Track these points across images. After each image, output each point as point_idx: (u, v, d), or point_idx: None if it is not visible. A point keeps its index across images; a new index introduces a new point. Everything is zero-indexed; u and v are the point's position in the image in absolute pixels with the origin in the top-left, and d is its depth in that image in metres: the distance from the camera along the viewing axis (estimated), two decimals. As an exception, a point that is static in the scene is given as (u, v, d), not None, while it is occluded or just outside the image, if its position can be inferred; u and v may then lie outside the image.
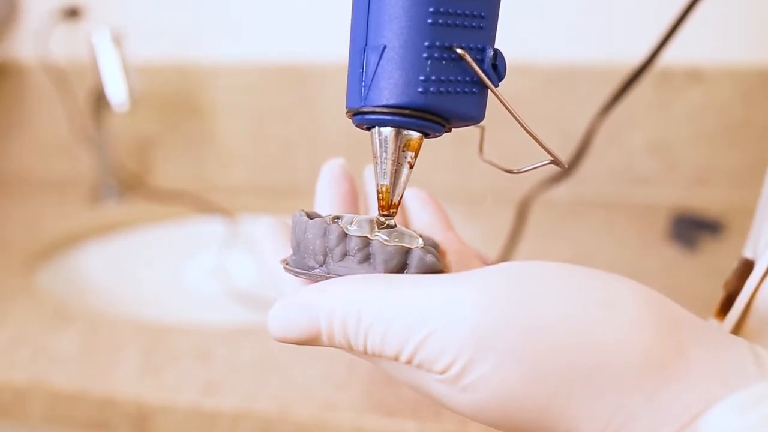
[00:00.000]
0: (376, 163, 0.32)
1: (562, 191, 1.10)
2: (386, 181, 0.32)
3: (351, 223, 0.32)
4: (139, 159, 1.27)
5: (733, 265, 0.35)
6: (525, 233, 0.79)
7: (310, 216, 0.34)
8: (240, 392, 0.65)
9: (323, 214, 0.35)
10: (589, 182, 1.12)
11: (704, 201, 1.08)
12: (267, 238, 0.36)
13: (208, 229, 1.14)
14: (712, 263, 0.91)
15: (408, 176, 0.32)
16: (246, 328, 0.77)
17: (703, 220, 1.00)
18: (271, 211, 1.12)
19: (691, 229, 0.97)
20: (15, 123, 1.31)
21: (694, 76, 1.06)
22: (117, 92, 1.06)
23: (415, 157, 0.32)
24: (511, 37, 1.09)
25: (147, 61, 1.19)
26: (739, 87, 1.05)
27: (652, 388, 0.25)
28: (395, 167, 0.32)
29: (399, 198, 0.33)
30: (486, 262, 0.35)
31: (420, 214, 0.39)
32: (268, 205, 1.15)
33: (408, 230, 0.33)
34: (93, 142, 1.18)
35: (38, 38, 1.20)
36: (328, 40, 1.15)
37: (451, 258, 0.35)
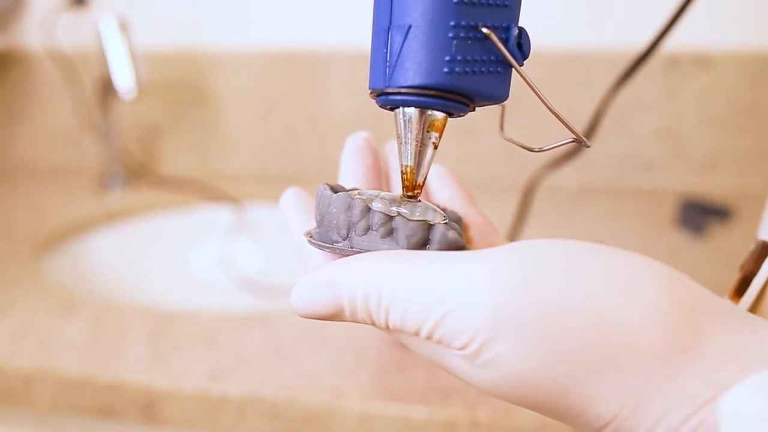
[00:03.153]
0: (400, 143, 0.32)
1: (569, 177, 1.10)
2: (410, 162, 0.32)
3: (374, 199, 0.32)
4: (145, 147, 1.27)
5: (750, 247, 0.35)
6: (532, 220, 0.78)
7: (335, 189, 0.34)
8: (247, 379, 0.65)
9: (347, 188, 0.36)
10: (597, 168, 1.12)
11: (712, 187, 1.08)
12: (291, 209, 0.37)
13: (215, 216, 1.14)
14: (720, 249, 0.90)
15: (432, 157, 0.32)
16: (253, 315, 0.77)
17: (711, 206, 0.99)
18: (277, 199, 1.11)
19: (699, 215, 0.97)
20: (22, 111, 1.32)
21: (703, 61, 1.05)
22: (123, 80, 1.06)
23: (440, 137, 0.32)
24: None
25: (153, 49, 1.19)
26: (747, 72, 1.04)
27: (669, 370, 0.25)
28: (419, 148, 0.32)
29: (423, 179, 0.33)
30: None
31: (441, 190, 0.39)
32: (274, 193, 1.14)
33: (431, 205, 0.33)
34: (99, 130, 1.18)
35: (45, 26, 1.20)
36: (334, 27, 1.15)
37: (473, 232, 0.35)
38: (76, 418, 0.70)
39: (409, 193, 0.33)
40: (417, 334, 0.28)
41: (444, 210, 0.36)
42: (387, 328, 0.29)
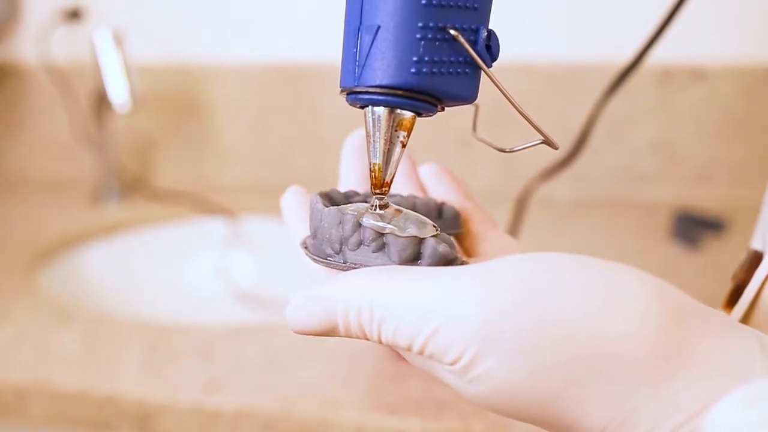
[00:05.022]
0: (369, 141, 0.32)
1: (563, 190, 1.11)
2: (378, 160, 0.33)
3: (365, 214, 0.32)
4: (140, 159, 1.27)
5: (741, 256, 0.35)
6: (526, 232, 0.79)
7: (329, 196, 0.35)
8: (242, 390, 0.65)
9: (343, 190, 0.37)
10: (591, 180, 1.12)
11: (706, 199, 1.08)
12: (291, 209, 0.38)
13: (210, 229, 1.14)
14: (715, 261, 0.90)
15: (400, 155, 0.33)
16: (248, 327, 0.77)
17: (705, 219, 1.00)
18: (272, 211, 1.12)
19: (693, 227, 0.97)
20: (17, 124, 1.32)
21: (696, 74, 1.05)
22: (118, 93, 1.06)
23: (408, 136, 0.32)
24: (512, 35, 1.10)
25: (148, 62, 1.19)
26: (741, 84, 1.05)
27: (657, 382, 0.25)
28: (388, 146, 0.32)
29: (391, 177, 0.33)
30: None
31: (436, 188, 0.40)
32: (269, 205, 1.14)
33: (422, 217, 0.33)
34: (94, 142, 1.18)
35: (40, 39, 1.20)
36: (328, 40, 1.15)
37: (472, 225, 0.36)
38: (70, 430, 0.69)
39: (377, 191, 0.33)
40: (409, 349, 0.28)
41: (443, 204, 0.37)
42: (380, 342, 0.29)
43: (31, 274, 0.95)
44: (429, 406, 0.62)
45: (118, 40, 1.05)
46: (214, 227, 1.14)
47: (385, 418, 0.61)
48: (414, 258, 0.31)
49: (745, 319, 0.33)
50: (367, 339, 0.30)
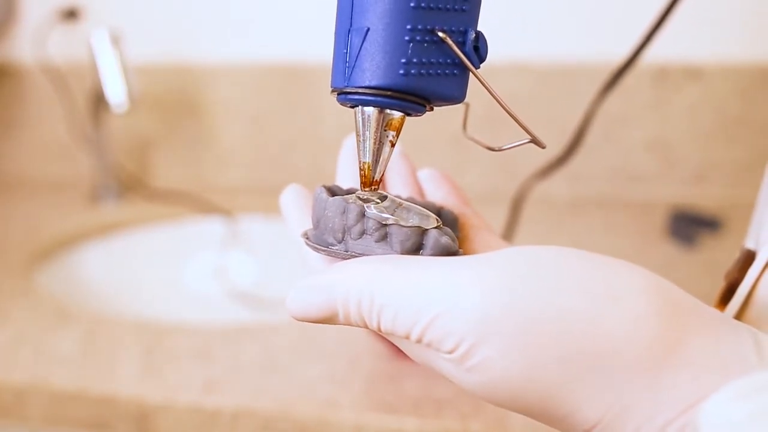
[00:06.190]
0: (359, 141, 0.33)
1: (560, 189, 1.11)
2: (368, 159, 0.33)
3: (369, 204, 0.33)
4: (138, 159, 1.27)
5: (735, 255, 0.36)
6: (522, 231, 0.79)
7: (332, 191, 0.35)
8: (240, 391, 0.66)
9: (344, 188, 0.37)
10: (587, 180, 1.12)
11: (702, 198, 1.08)
12: (290, 206, 0.38)
13: (208, 229, 1.14)
14: (711, 260, 0.91)
15: (390, 154, 0.34)
16: (246, 327, 0.77)
17: (702, 217, 1.00)
18: (271, 211, 1.12)
19: (690, 226, 0.98)
20: (14, 124, 1.31)
21: (692, 73, 1.06)
22: (116, 93, 1.06)
23: (397, 135, 0.33)
24: (508, 35, 1.10)
25: (146, 62, 1.19)
26: (737, 83, 1.05)
27: (652, 376, 0.26)
28: (377, 145, 0.33)
29: (380, 175, 0.34)
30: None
31: (435, 194, 0.41)
32: (267, 205, 1.15)
33: (425, 210, 0.33)
34: (92, 143, 1.18)
35: (37, 39, 1.20)
36: (326, 40, 1.15)
37: (470, 231, 0.37)
38: (68, 431, 0.69)
39: (366, 189, 0.34)
40: (408, 337, 0.29)
41: (441, 208, 0.37)
42: (380, 331, 0.30)
43: (29, 275, 0.95)
44: (427, 406, 0.62)
45: (116, 40, 1.05)
46: (212, 227, 1.14)
47: (383, 417, 0.61)
48: (416, 249, 0.31)
49: (738, 317, 0.34)
50: (367, 327, 0.30)
